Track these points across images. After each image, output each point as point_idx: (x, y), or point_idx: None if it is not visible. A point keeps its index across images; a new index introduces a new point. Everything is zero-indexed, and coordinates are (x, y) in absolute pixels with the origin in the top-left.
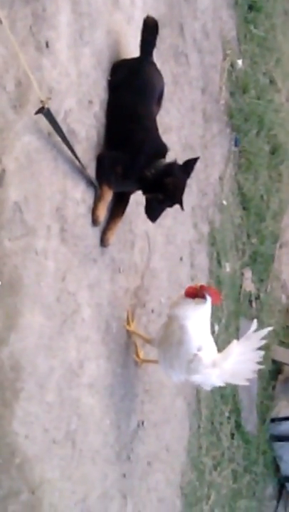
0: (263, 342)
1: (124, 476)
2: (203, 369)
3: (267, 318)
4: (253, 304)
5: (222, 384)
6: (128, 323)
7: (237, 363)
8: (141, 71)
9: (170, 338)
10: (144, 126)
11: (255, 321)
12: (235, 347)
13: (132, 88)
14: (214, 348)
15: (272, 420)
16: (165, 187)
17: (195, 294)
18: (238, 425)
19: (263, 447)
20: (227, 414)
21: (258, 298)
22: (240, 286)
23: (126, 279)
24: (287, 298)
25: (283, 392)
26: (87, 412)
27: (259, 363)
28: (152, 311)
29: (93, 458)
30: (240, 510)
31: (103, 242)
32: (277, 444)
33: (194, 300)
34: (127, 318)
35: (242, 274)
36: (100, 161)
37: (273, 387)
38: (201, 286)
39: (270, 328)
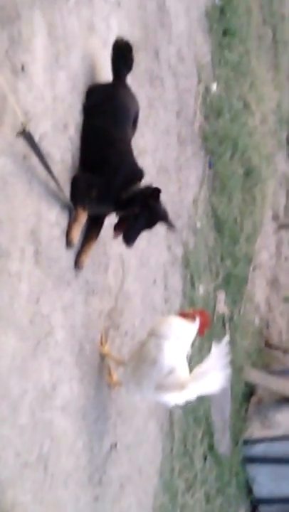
0: (228, 356)
1: (97, 499)
2: (171, 391)
3: (240, 340)
4: (227, 326)
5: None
6: (102, 345)
7: (204, 382)
8: (115, 95)
9: (144, 356)
10: (119, 149)
11: (226, 338)
12: (203, 368)
13: (106, 112)
14: (187, 370)
15: (245, 442)
16: (151, 208)
17: (186, 316)
18: (210, 447)
19: (235, 469)
20: (200, 436)
21: (231, 320)
22: (214, 308)
23: (100, 302)
24: (260, 320)
25: (256, 413)
26: (60, 435)
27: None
28: (126, 333)
29: (65, 481)
30: None
31: (77, 264)
32: (250, 466)
33: (182, 319)
34: (101, 340)
35: (215, 296)
36: (75, 183)
37: (246, 409)
38: (194, 310)
39: (227, 339)
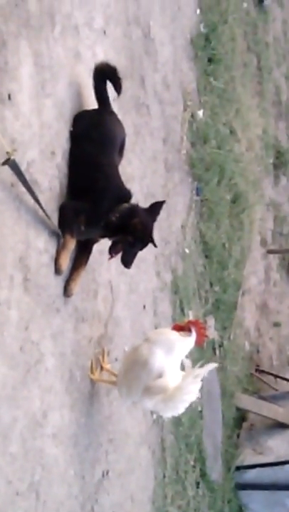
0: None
1: None
2: (157, 395)
3: (230, 366)
4: (217, 352)
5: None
6: (92, 372)
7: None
8: (101, 122)
9: (136, 358)
10: (106, 174)
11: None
12: (186, 380)
13: (93, 139)
14: (176, 380)
15: (238, 468)
16: (133, 228)
17: (182, 328)
18: (203, 474)
19: (228, 496)
20: (192, 462)
21: (221, 345)
22: None
23: (89, 328)
24: (250, 345)
25: (248, 439)
26: (51, 463)
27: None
28: (116, 359)
29: (57, 510)
30: None
31: (66, 292)
32: (243, 493)
33: (179, 333)
34: (91, 366)
35: (205, 321)
36: (62, 210)
37: (238, 435)
38: (189, 321)
39: (213, 365)
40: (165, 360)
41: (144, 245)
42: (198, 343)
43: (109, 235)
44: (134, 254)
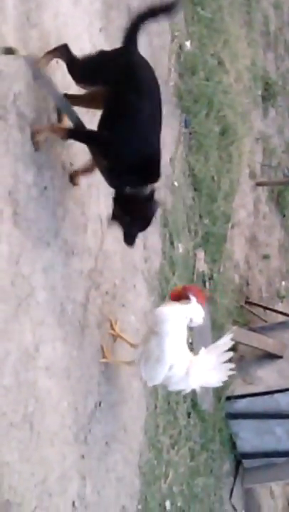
0: (230, 346)
1: (83, 457)
2: (178, 381)
3: (220, 298)
4: (207, 284)
5: (197, 387)
6: (112, 328)
7: (208, 370)
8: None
9: (149, 354)
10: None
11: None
12: (205, 354)
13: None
14: (188, 355)
15: (228, 398)
16: (137, 216)
17: (179, 296)
18: (194, 404)
19: (219, 425)
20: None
21: (211, 278)
22: (194, 267)
23: (80, 262)
24: (239, 277)
25: (238, 370)
26: (44, 395)
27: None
28: (106, 292)
29: (51, 440)
30: (198, 487)
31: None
32: (233, 422)
33: (179, 302)
34: (110, 323)
35: (195, 254)
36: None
37: None
38: (184, 287)
39: (231, 335)
40: (174, 347)
41: (145, 227)
42: (201, 301)
43: (115, 199)
44: (135, 235)
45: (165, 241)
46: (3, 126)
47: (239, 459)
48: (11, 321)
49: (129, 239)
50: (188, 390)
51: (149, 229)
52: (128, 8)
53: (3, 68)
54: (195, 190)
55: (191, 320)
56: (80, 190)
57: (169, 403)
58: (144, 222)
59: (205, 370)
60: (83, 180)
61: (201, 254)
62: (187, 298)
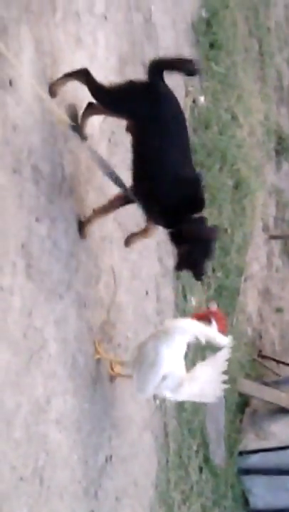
0: (226, 362)
1: None
2: (171, 390)
3: (233, 352)
4: None
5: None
6: (97, 352)
7: (203, 383)
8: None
9: (144, 357)
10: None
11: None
12: (201, 368)
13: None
14: (183, 370)
15: (240, 453)
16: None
17: (202, 317)
18: (206, 459)
19: (231, 481)
20: (195, 447)
21: None
22: None
23: (92, 314)
24: (252, 331)
25: (250, 425)
26: (55, 448)
27: (224, 382)
28: (119, 345)
29: (61, 494)
30: None
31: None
32: (246, 478)
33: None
34: (95, 348)
35: (207, 307)
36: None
37: (240, 420)
38: (209, 310)
39: (229, 345)
40: (170, 356)
41: (208, 254)
42: (222, 330)
43: (174, 240)
44: (202, 265)
45: (178, 294)
46: (18, 179)
47: None
48: (23, 373)
49: (199, 270)
50: (178, 400)
51: (162, 281)
52: (143, 64)
53: (18, 122)
54: None
55: (196, 338)
56: (94, 243)
57: (180, 457)
58: (209, 247)
59: (200, 382)
60: (96, 233)
61: (214, 307)
62: (209, 321)
